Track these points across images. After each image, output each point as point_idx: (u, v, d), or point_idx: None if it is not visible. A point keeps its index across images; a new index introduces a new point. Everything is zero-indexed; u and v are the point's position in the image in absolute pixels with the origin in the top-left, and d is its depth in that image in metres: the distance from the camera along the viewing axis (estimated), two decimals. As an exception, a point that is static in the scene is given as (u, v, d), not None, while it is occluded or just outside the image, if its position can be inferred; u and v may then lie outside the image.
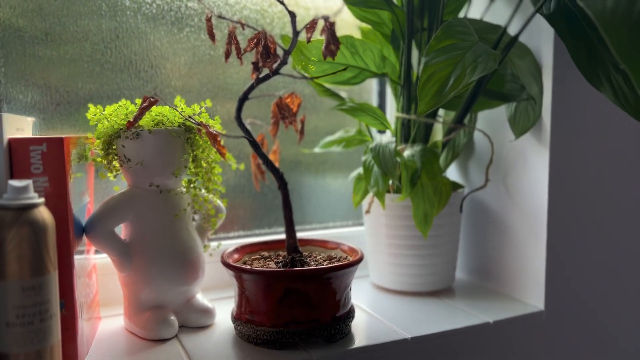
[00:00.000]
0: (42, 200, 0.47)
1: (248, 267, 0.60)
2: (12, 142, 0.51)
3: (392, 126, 0.84)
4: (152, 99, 0.57)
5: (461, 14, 0.81)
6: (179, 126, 0.62)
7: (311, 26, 0.57)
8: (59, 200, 0.52)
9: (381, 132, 0.96)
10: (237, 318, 0.62)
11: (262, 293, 0.58)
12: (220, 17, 0.59)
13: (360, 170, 0.81)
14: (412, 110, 0.78)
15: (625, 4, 0.36)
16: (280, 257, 0.67)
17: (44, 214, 0.46)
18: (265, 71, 0.60)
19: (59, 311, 0.48)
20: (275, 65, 0.59)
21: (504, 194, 0.79)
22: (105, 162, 0.63)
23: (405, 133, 0.79)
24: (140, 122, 0.60)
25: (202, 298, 0.67)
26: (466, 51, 0.57)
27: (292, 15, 0.58)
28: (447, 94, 0.55)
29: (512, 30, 0.74)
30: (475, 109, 0.77)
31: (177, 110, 0.61)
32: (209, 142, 0.64)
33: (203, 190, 0.67)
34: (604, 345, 0.81)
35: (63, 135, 0.53)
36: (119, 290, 0.71)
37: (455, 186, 0.80)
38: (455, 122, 0.77)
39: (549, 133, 0.71)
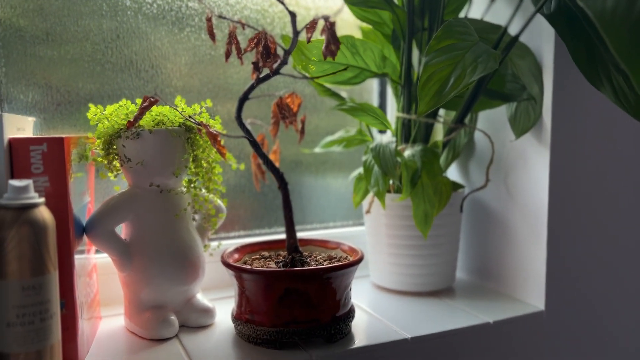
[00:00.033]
0: (42, 200, 0.47)
1: (248, 266, 0.60)
2: (12, 141, 0.51)
3: (393, 126, 0.84)
4: (152, 99, 0.57)
5: (462, 14, 0.81)
6: (179, 126, 0.62)
7: (311, 26, 0.57)
8: (59, 200, 0.52)
9: (382, 132, 0.96)
10: (237, 318, 0.62)
11: (262, 293, 0.59)
12: (220, 17, 0.59)
13: (360, 170, 0.81)
14: (413, 110, 0.78)
15: (625, 4, 0.36)
16: (281, 257, 0.67)
17: (44, 213, 0.46)
18: (266, 71, 0.60)
19: (59, 311, 0.48)
20: (275, 65, 0.59)
21: (504, 194, 0.79)
22: (106, 162, 0.63)
23: (406, 133, 0.79)
24: (141, 122, 0.60)
25: (202, 298, 0.67)
26: (466, 51, 0.57)
27: (293, 15, 0.58)
28: (447, 94, 0.55)
29: (512, 30, 0.74)
30: (475, 109, 0.77)
31: (177, 110, 0.61)
32: (209, 142, 0.64)
33: (203, 190, 0.67)
34: (605, 346, 0.81)
35: (63, 135, 0.53)
36: (119, 290, 0.71)
37: (456, 186, 0.80)
38: (455, 122, 0.77)
39: (550, 133, 0.71)
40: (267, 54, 0.58)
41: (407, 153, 0.74)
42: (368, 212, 0.80)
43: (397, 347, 0.62)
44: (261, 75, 0.60)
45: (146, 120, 0.60)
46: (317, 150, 0.87)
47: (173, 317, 0.63)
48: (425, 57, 0.57)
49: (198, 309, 0.65)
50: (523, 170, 0.76)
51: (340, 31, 0.89)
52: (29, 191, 0.46)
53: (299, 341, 0.61)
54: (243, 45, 0.60)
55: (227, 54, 0.60)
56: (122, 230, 0.64)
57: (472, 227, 0.86)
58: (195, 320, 0.65)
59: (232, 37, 0.59)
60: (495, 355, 0.70)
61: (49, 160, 0.51)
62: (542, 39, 0.72)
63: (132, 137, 0.60)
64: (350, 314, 0.63)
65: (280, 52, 0.72)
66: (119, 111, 0.61)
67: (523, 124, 0.73)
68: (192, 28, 0.80)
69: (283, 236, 0.77)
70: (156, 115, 0.61)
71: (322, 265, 0.63)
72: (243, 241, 0.82)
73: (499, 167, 0.80)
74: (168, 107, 0.62)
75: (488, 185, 0.80)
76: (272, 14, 0.86)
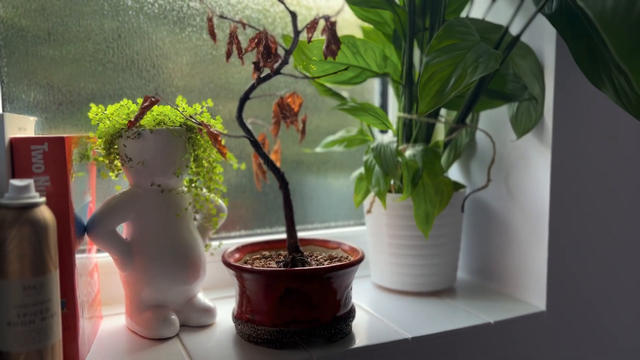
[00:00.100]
0: (43, 199, 0.47)
1: (249, 266, 0.60)
2: (13, 141, 0.51)
3: (394, 126, 0.84)
4: (153, 99, 0.57)
5: (463, 14, 0.81)
6: (180, 126, 0.62)
7: (312, 26, 0.57)
8: (60, 199, 0.52)
9: (383, 132, 0.96)
10: (237, 317, 0.62)
11: (262, 292, 0.59)
12: (221, 16, 0.59)
13: (361, 170, 0.81)
14: (414, 110, 0.78)
15: (625, 4, 0.36)
16: (281, 257, 0.67)
17: (45, 213, 0.47)
18: (267, 71, 0.60)
19: (60, 310, 0.48)
20: (276, 65, 0.59)
21: (505, 194, 0.79)
22: (107, 162, 0.63)
23: (407, 133, 0.79)
24: (142, 122, 0.60)
25: (203, 297, 0.67)
26: (467, 51, 0.57)
27: (293, 15, 0.58)
28: (448, 94, 0.54)
29: (514, 30, 0.74)
30: (477, 109, 0.77)
31: (178, 110, 0.61)
32: (210, 142, 0.64)
33: (204, 190, 0.67)
34: (606, 346, 0.81)
35: (65, 135, 0.53)
36: (120, 289, 0.71)
37: (457, 186, 0.80)
38: (457, 122, 0.77)
39: (551, 133, 0.71)
40: (268, 53, 0.58)
41: (408, 153, 0.74)
42: (369, 212, 0.80)
43: (397, 347, 0.62)
44: (262, 75, 0.60)
45: (147, 120, 0.60)
46: (318, 150, 0.87)
47: (174, 317, 0.63)
48: (426, 57, 0.57)
49: (199, 308, 0.66)
50: (524, 170, 0.76)
51: (342, 31, 0.89)
52: (29, 191, 0.46)
53: (300, 341, 0.61)
54: (244, 45, 0.61)
55: (228, 54, 0.60)
56: (123, 230, 0.65)
57: (474, 227, 0.86)
58: (196, 319, 0.65)
59: (233, 37, 0.59)
60: (496, 356, 0.70)
61: (50, 160, 0.51)
62: (544, 39, 0.72)
63: (133, 136, 0.60)
64: (350, 313, 0.63)
65: (281, 52, 0.72)
66: (120, 111, 0.61)
67: (524, 124, 0.73)
68: (194, 28, 0.81)
69: (284, 236, 0.77)
70: (157, 115, 0.61)
71: (323, 265, 0.63)
72: (244, 241, 0.82)
73: (500, 167, 0.80)
74: (169, 106, 0.62)
75: (489, 185, 0.80)
76: (273, 14, 0.86)
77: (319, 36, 0.62)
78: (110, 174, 0.64)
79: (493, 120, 0.81)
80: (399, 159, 0.72)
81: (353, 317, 0.63)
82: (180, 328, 0.65)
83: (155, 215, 0.63)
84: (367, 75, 0.78)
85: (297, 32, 0.58)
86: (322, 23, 0.56)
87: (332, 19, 0.56)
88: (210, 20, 0.60)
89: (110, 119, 0.61)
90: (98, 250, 0.68)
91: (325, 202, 0.95)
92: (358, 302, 0.75)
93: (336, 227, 0.96)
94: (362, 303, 0.75)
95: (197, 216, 0.69)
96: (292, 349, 0.59)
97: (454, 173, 0.90)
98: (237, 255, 0.67)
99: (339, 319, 0.61)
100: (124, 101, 0.62)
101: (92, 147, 0.63)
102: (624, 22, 0.36)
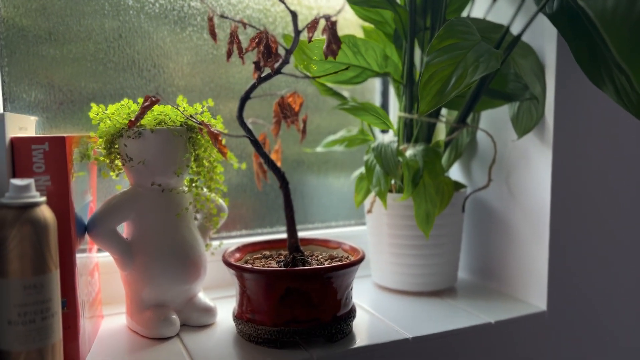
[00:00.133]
0: (43, 199, 0.47)
1: (249, 266, 0.60)
2: (14, 141, 0.51)
3: (395, 125, 0.84)
4: (153, 98, 0.57)
5: (464, 13, 0.81)
6: (181, 125, 0.62)
7: (313, 25, 0.57)
8: (60, 199, 0.52)
9: (384, 131, 0.96)
10: (238, 317, 0.62)
11: (263, 292, 0.59)
12: (222, 16, 0.59)
13: (362, 169, 0.81)
14: (415, 110, 0.78)
15: (626, 3, 0.36)
16: (282, 257, 0.67)
17: (45, 212, 0.47)
18: (267, 70, 0.60)
19: (60, 309, 0.48)
20: (276, 65, 0.59)
21: (506, 194, 0.79)
22: (108, 161, 0.63)
23: (408, 132, 0.79)
24: (143, 122, 0.60)
25: (203, 297, 0.67)
26: (468, 50, 0.57)
27: (294, 15, 0.58)
28: (449, 94, 0.54)
29: (514, 30, 0.74)
30: (478, 109, 0.77)
31: (179, 110, 0.61)
32: (210, 141, 0.64)
33: (205, 189, 0.67)
34: (607, 346, 0.81)
35: (65, 135, 0.53)
36: (121, 289, 0.71)
37: (458, 186, 0.80)
38: (458, 122, 0.77)
39: (552, 133, 0.71)
40: (269, 53, 0.58)
41: (409, 153, 0.74)
42: (370, 211, 0.80)
43: (398, 347, 0.62)
44: (263, 75, 0.60)
45: (148, 120, 0.60)
46: (319, 149, 0.87)
47: (174, 316, 0.63)
48: (427, 57, 0.57)
49: (199, 308, 0.66)
50: (525, 170, 0.76)
51: (343, 30, 0.89)
52: (30, 190, 0.46)
53: (300, 341, 0.61)
54: (245, 44, 0.60)
55: (229, 54, 0.60)
56: (124, 229, 0.65)
57: (474, 227, 0.86)
58: (196, 319, 0.65)
59: (233, 37, 0.59)
60: (496, 356, 0.70)
61: (51, 160, 0.51)
62: (545, 39, 0.71)
63: (134, 136, 0.60)
64: (351, 313, 0.63)
65: (281, 51, 0.72)
66: (121, 110, 0.61)
67: (525, 124, 0.73)
68: (194, 27, 0.81)
69: (284, 235, 0.77)
70: (158, 114, 0.61)
71: (324, 264, 0.63)
72: (244, 240, 0.82)
73: (501, 166, 0.80)
74: (170, 106, 0.62)
75: (490, 185, 0.80)
76: (274, 14, 0.86)
77: (320, 36, 0.62)
78: (111, 173, 0.64)
79: (494, 119, 0.81)
80: (400, 158, 0.72)
81: (353, 316, 0.63)
82: (180, 327, 0.65)
83: (156, 214, 0.63)
84: (367, 75, 0.78)
85: (297, 32, 0.58)
86: (322, 23, 0.56)
87: (333, 19, 0.56)
88: (210, 19, 0.60)
89: (111, 118, 0.61)
90: (99, 250, 0.68)
91: (326, 201, 0.95)
92: (359, 302, 0.75)
93: (337, 227, 0.96)
94: (362, 303, 0.75)
95: (198, 216, 0.69)
96: (292, 349, 0.59)
97: (455, 173, 0.90)
98: (237, 255, 0.67)
99: (340, 318, 0.61)
100: (125, 101, 0.62)
101: (93, 147, 0.63)
102: (625, 22, 0.36)
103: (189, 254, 0.64)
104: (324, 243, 0.71)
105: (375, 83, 0.98)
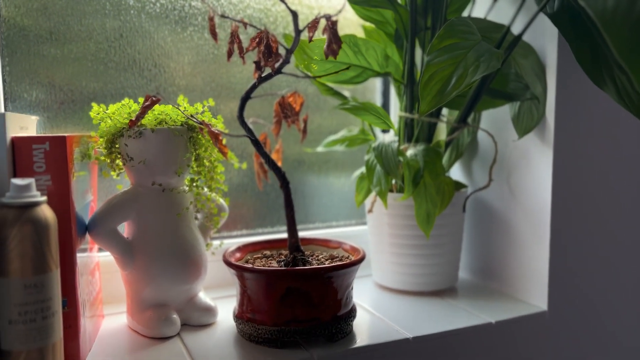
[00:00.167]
0: (44, 198, 0.47)
1: (250, 265, 0.60)
2: (15, 140, 0.51)
3: (396, 125, 0.84)
4: (154, 98, 0.57)
5: (465, 13, 0.81)
6: (181, 125, 0.62)
7: (313, 25, 0.57)
8: (61, 198, 0.52)
9: (384, 131, 0.96)
10: (238, 317, 0.62)
11: (263, 292, 0.59)
12: (222, 16, 0.59)
13: (363, 169, 0.81)
14: (416, 110, 0.77)
15: (626, 3, 0.36)
16: (282, 256, 0.67)
17: (46, 212, 0.47)
18: (268, 70, 0.60)
19: (61, 309, 0.48)
20: (277, 65, 0.59)
21: (507, 194, 0.79)
22: (109, 161, 0.63)
23: (409, 132, 0.79)
24: (143, 121, 0.60)
25: (204, 296, 0.67)
26: (468, 50, 0.57)
27: (294, 15, 0.58)
28: (449, 94, 0.54)
29: (515, 29, 0.74)
30: (478, 109, 0.77)
31: (179, 109, 0.61)
32: (211, 141, 0.64)
33: (205, 189, 0.67)
34: (607, 346, 0.81)
35: (66, 134, 0.53)
36: (122, 288, 0.71)
37: (458, 186, 0.80)
38: (458, 122, 0.77)
39: (553, 133, 0.71)
40: (269, 53, 0.58)
41: (410, 152, 0.74)
42: (370, 211, 0.80)
43: (398, 347, 0.62)
44: (263, 75, 0.60)
45: (148, 119, 0.60)
46: (320, 149, 0.87)
47: (175, 316, 0.63)
48: (427, 56, 0.57)
49: (200, 307, 0.66)
50: (526, 170, 0.75)
51: (343, 30, 0.89)
52: (31, 190, 0.46)
53: (300, 340, 0.61)
54: (245, 44, 0.61)
55: (229, 53, 0.60)
56: (125, 229, 0.65)
57: (475, 227, 0.86)
58: (197, 318, 0.65)
59: (234, 37, 0.59)
60: (497, 356, 0.70)
61: (51, 159, 0.51)
62: (545, 38, 0.71)
63: (135, 136, 0.60)
64: (351, 313, 0.63)
65: (282, 51, 0.72)
66: (122, 110, 0.61)
67: (526, 124, 0.73)
68: (195, 27, 0.81)
69: (285, 235, 0.77)
70: (158, 114, 0.61)
71: (324, 264, 0.63)
72: (245, 240, 0.82)
73: (501, 166, 0.80)
74: (170, 106, 0.62)
75: (491, 185, 0.80)
76: (275, 13, 0.86)
77: (321, 35, 0.62)
78: (112, 173, 0.64)
79: (495, 119, 0.81)
80: (401, 158, 0.72)
81: (354, 316, 0.63)
82: (181, 327, 0.65)
83: (157, 214, 0.63)
84: (368, 75, 0.78)
85: (298, 32, 0.58)
86: (323, 22, 0.56)
87: (333, 18, 0.56)
88: (211, 19, 0.60)
89: (112, 118, 0.61)
90: (100, 249, 0.68)
91: (327, 201, 0.95)
92: (359, 302, 0.75)
93: (337, 227, 0.96)
94: (363, 302, 0.75)
95: (199, 215, 0.69)
96: (293, 348, 0.59)
97: (456, 173, 0.90)
98: (238, 255, 0.67)
99: (340, 318, 0.61)
100: (126, 100, 0.62)
101: (94, 147, 0.63)
102: (625, 22, 0.36)
103: (190, 253, 0.64)
104: (324, 243, 0.71)
105: (376, 83, 0.98)
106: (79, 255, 0.55)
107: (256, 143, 0.63)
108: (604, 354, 0.81)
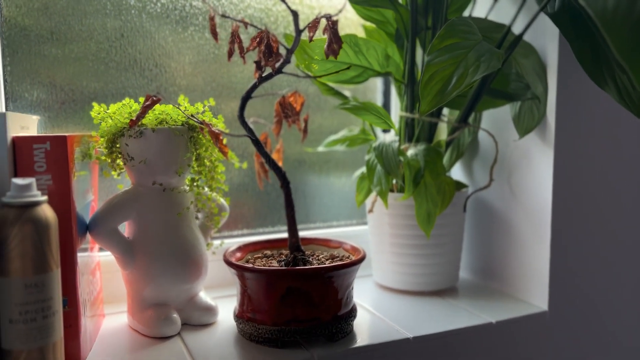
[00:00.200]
0: (45, 198, 0.47)
1: (250, 265, 0.60)
2: (16, 140, 0.51)
3: (396, 125, 0.84)
4: (154, 98, 0.57)
5: (466, 13, 0.81)
6: (182, 125, 0.62)
7: (314, 25, 0.57)
8: (62, 198, 0.52)
9: (385, 131, 0.96)
10: (239, 316, 0.62)
11: (264, 291, 0.59)
12: (223, 16, 0.59)
13: (363, 169, 0.81)
14: (416, 110, 0.77)
15: (626, 3, 0.36)
16: (283, 256, 0.67)
17: (46, 211, 0.47)
18: (268, 70, 0.60)
19: (61, 308, 0.48)
20: (278, 64, 0.59)
21: (508, 194, 0.79)
22: (109, 161, 0.63)
23: (409, 132, 0.79)
24: (144, 121, 0.60)
25: (204, 296, 0.67)
26: (469, 50, 0.57)
27: (295, 14, 0.58)
28: (450, 94, 0.54)
29: (516, 29, 0.74)
30: (479, 108, 0.77)
31: (180, 109, 0.61)
32: (212, 141, 0.64)
33: (206, 189, 0.67)
34: (608, 346, 0.81)
35: (67, 134, 0.53)
36: (123, 288, 0.71)
37: (459, 185, 0.80)
38: (459, 121, 0.77)
39: (554, 132, 0.71)
40: (269, 53, 0.58)
41: (410, 152, 0.74)
42: (371, 211, 0.80)
43: (399, 347, 0.62)
44: (264, 74, 0.60)
45: (149, 119, 0.61)
46: (321, 149, 0.87)
47: (175, 315, 0.63)
48: (428, 56, 0.57)
49: (200, 307, 0.66)
50: (527, 170, 0.75)
51: (344, 30, 0.89)
52: (31, 189, 0.46)
53: (301, 340, 0.61)
54: (246, 44, 0.61)
55: (230, 53, 0.60)
56: (125, 229, 0.65)
57: (476, 227, 0.85)
58: (197, 318, 0.65)
59: (235, 36, 0.59)
60: (497, 356, 0.70)
61: (52, 159, 0.52)
62: (546, 38, 0.71)
63: (135, 135, 0.60)
64: (352, 313, 0.63)
65: (282, 51, 0.72)
66: (122, 110, 0.61)
67: (527, 124, 0.73)
68: (196, 27, 0.81)
69: (286, 235, 0.77)
70: (159, 114, 0.61)
71: (324, 264, 0.63)
72: (246, 240, 0.82)
73: (502, 166, 0.80)
74: (171, 105, 0.62)
75: (492, 184, 0.80)
76: (275, 13, 0.86)
77: (321, 35, 0.62)
78: (113, 172, 0.64)
79: (495, 119, 0.81)
80: (401, 158, 0.72)
81: (354, 316, 0.63)
82: (181, 327, 0.65)
83: (157, 214, 0.63)
84: (369, 75, 0.78)
85: (298, 31, 0.58)
86: (323, 22, 0.56)
87: (334, 18, 0.56)
88: (212, 19, 0.60)
89: (113, 118, 0.61)
90: (100, 249, 0.68)
91: (327, 201, 0.95)
92: (360, 302, 0.75)
93: (338, 227, 0.96)
94: (363, 302, 0.75)
95: (199, 215, 0.69)
96: (293, 348, 0.59)
97: (456, 172, 0.90)
98: (238, 254, 0.67)
99: (340, 318, 0.61)
100: (126, 100, 0.62)
101: (95, 146, 0.63)
102: (625, 22, 0.36)
103: (190, 253, 0.64)
104: (325, 242, 0.71)
105: (377, 82, 0.98)
106: (79, 254, 0.55)
107: (257, 143, 0.63)
108: (605, 354, 0.81)
